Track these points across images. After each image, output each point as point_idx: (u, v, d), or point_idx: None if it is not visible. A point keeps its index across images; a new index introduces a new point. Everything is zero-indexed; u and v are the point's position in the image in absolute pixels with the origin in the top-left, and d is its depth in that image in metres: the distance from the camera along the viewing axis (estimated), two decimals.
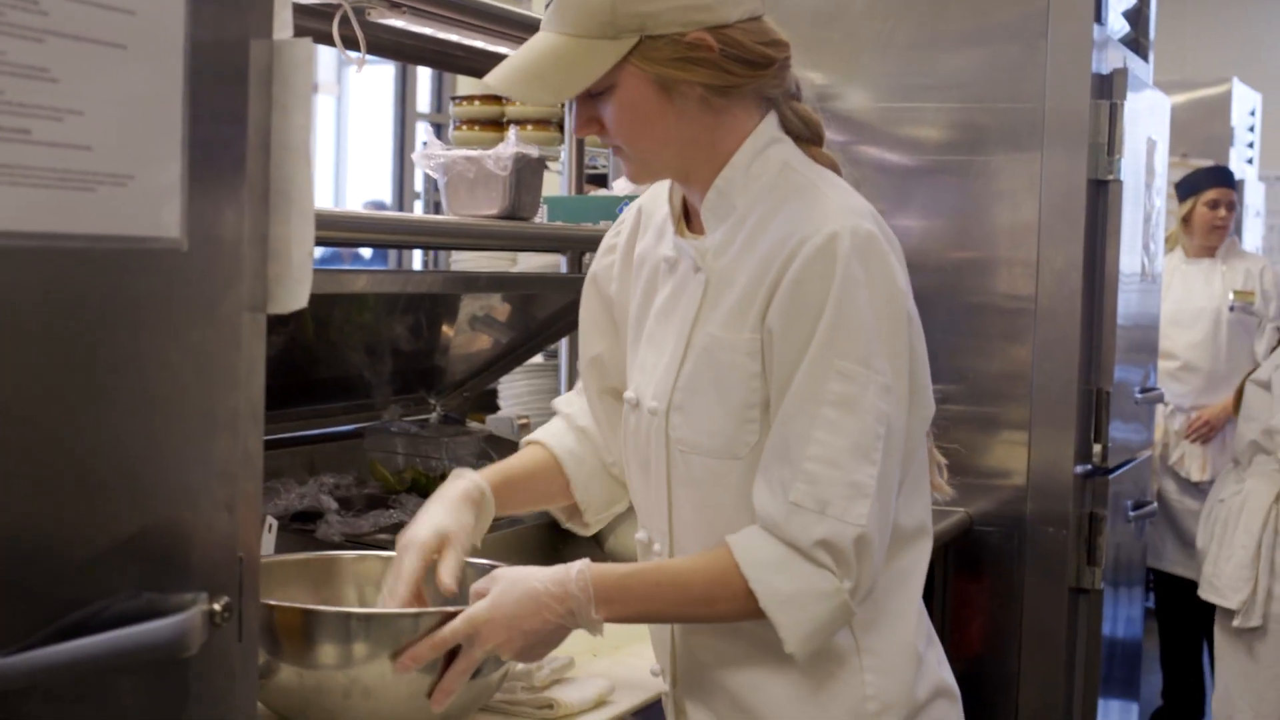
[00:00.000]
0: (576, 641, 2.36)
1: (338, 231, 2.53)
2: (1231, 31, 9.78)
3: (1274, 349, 5.88)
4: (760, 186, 1.83)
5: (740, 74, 1.80)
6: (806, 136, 1.88)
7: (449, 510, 1.99)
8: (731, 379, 1.79)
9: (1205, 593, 4.39)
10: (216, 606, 1.45)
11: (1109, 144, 3.71)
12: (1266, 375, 4.28)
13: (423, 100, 8.27)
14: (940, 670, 1.93)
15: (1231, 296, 5.93)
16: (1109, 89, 3.75)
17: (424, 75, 8.23)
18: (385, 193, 8.26)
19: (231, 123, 1.48)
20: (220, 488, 1.48)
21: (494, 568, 1.93)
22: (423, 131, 8.23)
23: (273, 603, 1.90)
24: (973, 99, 3.77)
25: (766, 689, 1.84)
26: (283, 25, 1.60)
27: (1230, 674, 4.34)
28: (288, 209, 1.60)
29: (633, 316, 1.99)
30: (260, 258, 1.57)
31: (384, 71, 8.18)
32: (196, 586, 1.44)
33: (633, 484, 1.99)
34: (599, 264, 2.12)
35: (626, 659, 2.38)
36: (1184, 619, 5.80)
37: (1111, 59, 3.83)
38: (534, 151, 3.00)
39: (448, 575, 1.92)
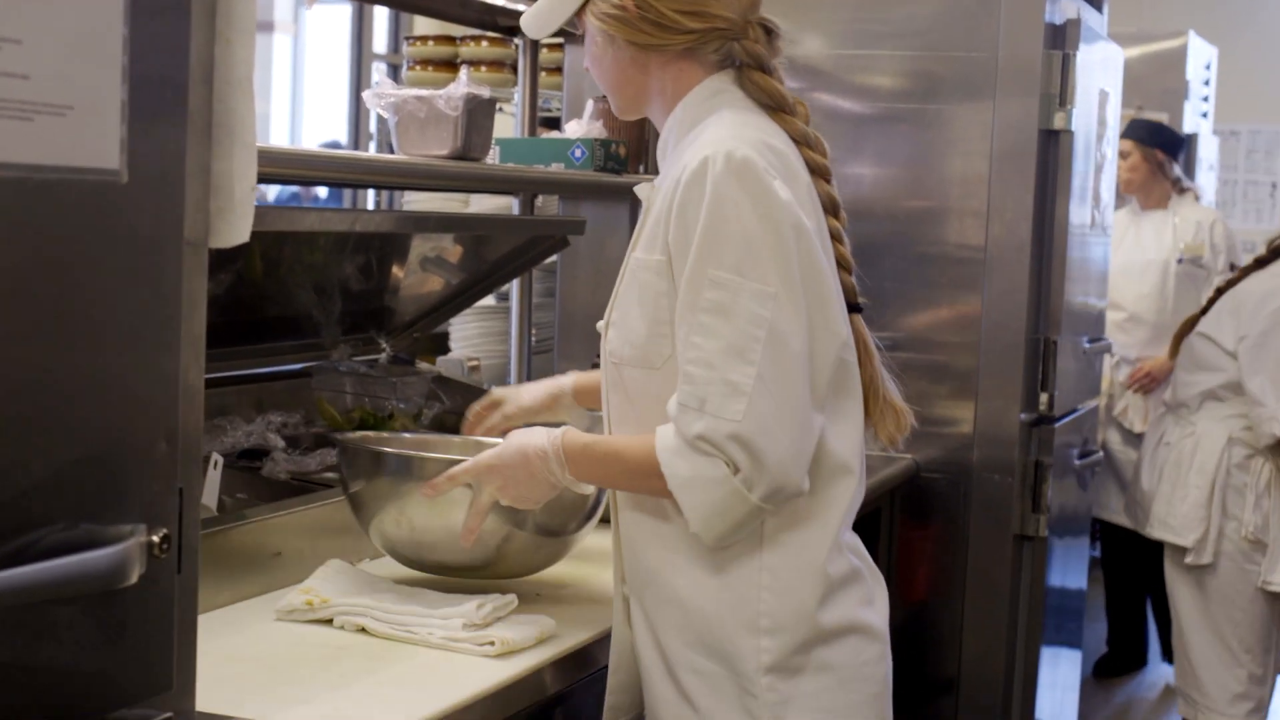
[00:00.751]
0: (520, 582, 2.39)
1: (286, 169, 2.52)
2: None
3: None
4: (694, 129, 2.04)
5: (653, 35, 2.04)
6: (769, 105, 2.07)
7: (522, 388, 2.61)
8: (647, 294, 2.00)
9: (1158, 531, 4.43)
10: (155, 538, 1.45)
11: (1061, 94, 3.72)
12: (1229, 343, 4.29)
13: (379, 41, 8.22)
14: (861, 611, 2.06)
15: (1181, 249, 5.96)
16: (1061, 39, 3.76)
17: (380, 16, 8.17)
18: (341, 134, 8.21)
19: (173, 54, 1.48)
20: (160, 420, 1.48)
21: None
22: (378, 72, 8.18)
23: (356, 445, 2.42)
24: (926, 47, 3.77)
25: (683, 591, 2.02)
26: None
27: (1185, 609, 4.40)
28: (230, 143, 1.60)
29: None
30: (202, 191, 1.56)
31: (341, 11, 8.12)
32: (135, 518, 1.44)
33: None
34: None
35: (570, 598, 2.40)
36: (1128, 568, 5.86)
37: (1065, 9, 3.83)
38: (485, 92, 2.98)
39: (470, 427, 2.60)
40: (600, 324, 2.14)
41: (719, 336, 1.89)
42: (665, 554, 2.04)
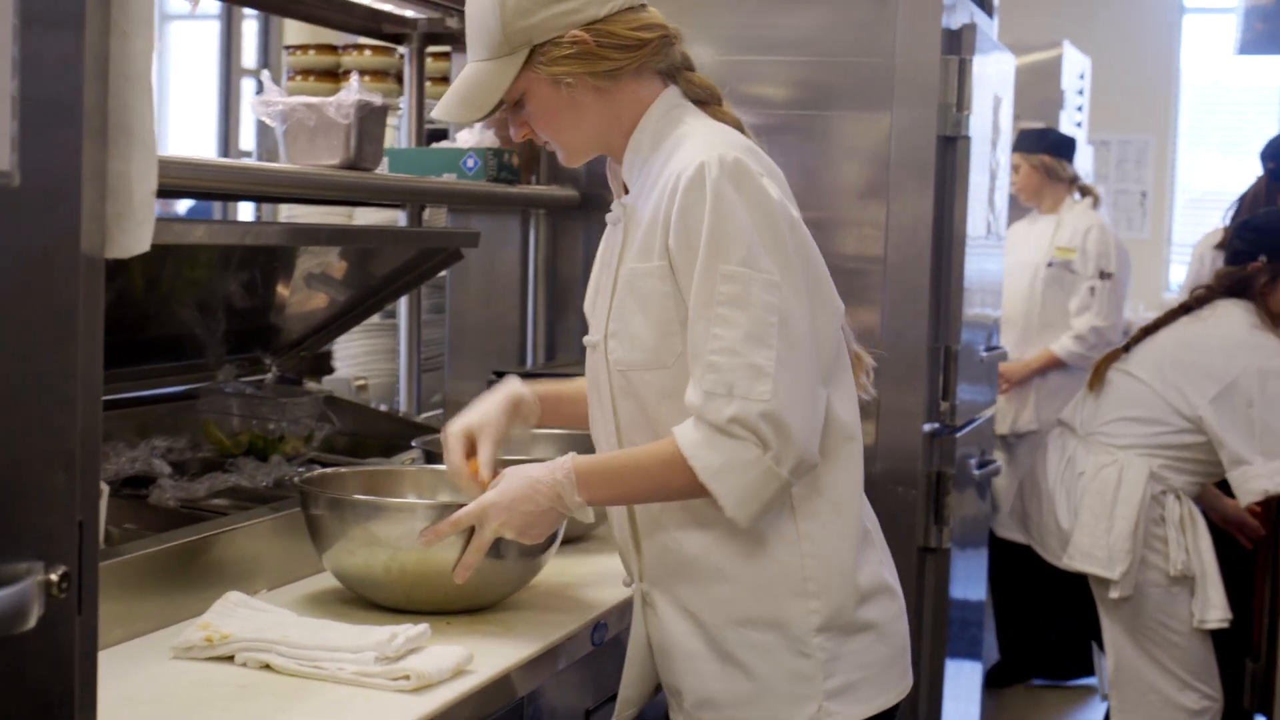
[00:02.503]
0: (433, 612, 2.27)
1: (173, 178, 2.38)
2: None
3: (1087, 310, 5.89)
4: (664, 142, 2.15)
5: (618, 58, 2.11)
6: (706, 99, 2.21)
7: (483, 410, 2.35)
8: (650, 300, 2.10)
9: (1080, 563, 4.36)
10: (53, 577, 1.33)
11: (958, 100, 3.66)
12: (1177, 400, 4.27)
13: (248, 55, 8.02)
14: (884, 570, 2.24)
15: (1054, 253, 5.97)
16: (958, 44, 3.71)
17: (249, 29, 7.99)
18: (209, 153, 7.99)
19: (66, 48, 1.35)
20: (57, 447, 1.35)
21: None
22: (249, 87, 7.98)
23: (336, 495, 2.36)
24: (822, 54, 3.70)
25: (729, 570, 2.13)
26: None
27: (1122, 642, 4.35)
28: (128, 144, 1.48)
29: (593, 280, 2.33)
30: (98, 196, 1.44)
31: (208, 27, 7.92)
32: (31, 555, 1.32)
33: (590, 416, 2.30)
34: None
35: (483, 627, 2.28)
36: (1016, 576, 5.84)
37: (960, 15, 3.79)
38: (376, 99, 2.87)
39: (484, 468, 2.26)
40: (589, 339, 2.24)
41: (737, 326, 2.01)
42: (705, 540, 2.14)
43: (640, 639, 2.25)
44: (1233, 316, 4.30)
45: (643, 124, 2.16)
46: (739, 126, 2.19)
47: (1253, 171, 5.55)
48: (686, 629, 2.17)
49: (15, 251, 1.30)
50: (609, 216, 2.25)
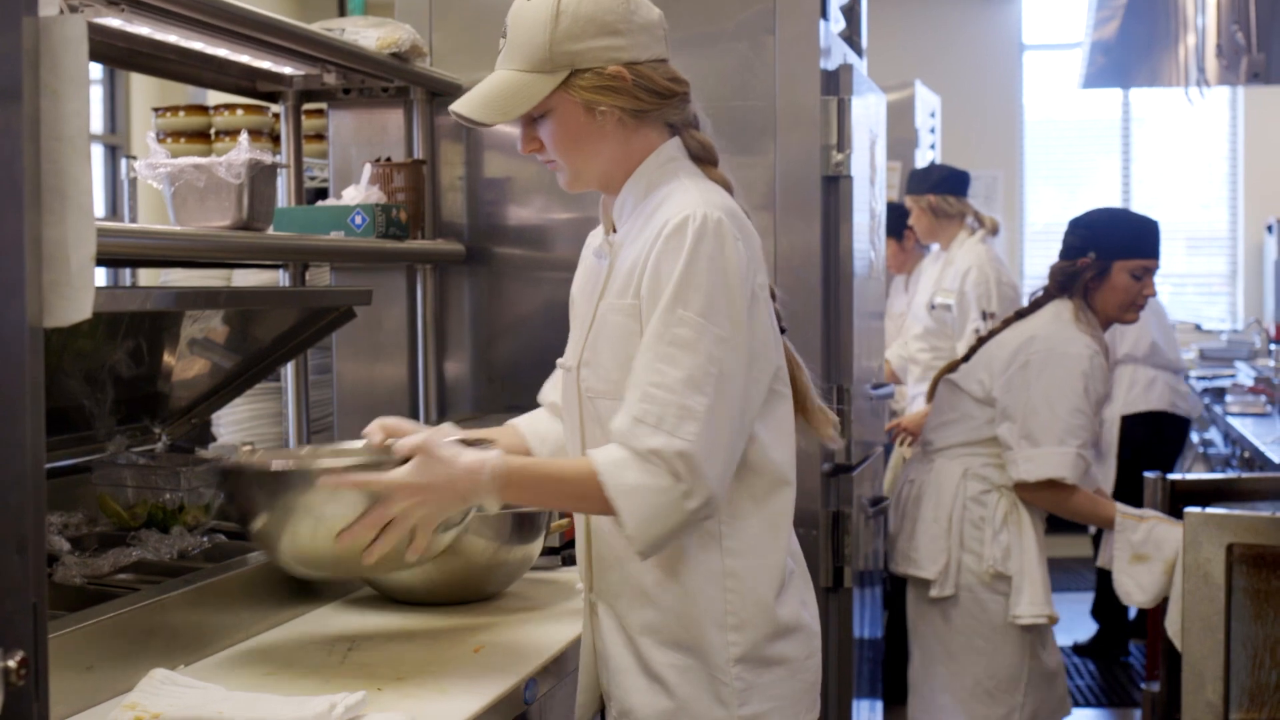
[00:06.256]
0: (368, 676, 2.21)
1: None
2: (911, 37, 10.02)
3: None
4: (657, 191, 2.28)
5: (649, 101, 2.27)
6: (704, 158, 2.35)
7: (412, 425, 2.44)
8: (620, 336, 2.24)
9: (902, 566, 4.41)
10: (11, 663, 1.26)
11: (839, 140, 3.69)
12: (976, 391, 4.32)
13: (93, 120, 7.88)
14: (803, 610, 2.35)
15: (937, 295, 6.02)
16: (835, 85, 3.73)
17: (94, 94, 7.85)
18: None
19: (6, 115, 1.30)
20: (11, 528, 1.29)
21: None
22: (96, 152, 7.84)
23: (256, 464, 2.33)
24: (701, 98, 3.69)
25: (658, 597, 2.27)
26: (48, 1, 1.42)
27: (927, 642, 4.38)
28: (63, 207, 1.43)
29: (571, 306, 2.47)
30: (35, 264, 1.38)
31: None
32: None
33: (565, 430, 2.44)
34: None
35: (417, 691, 2.22)
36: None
37: (835, 56, 3.82)
38: (268, 157, 2.81)
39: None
40: (564, 361, 2.39)
41: (681, 367, 2.13)
42: (640, 567, 2.26)
43: (587, 645, 2.40)
44: (1047, 311, 4.36)
45: (643, 168, 2.30)
46: (728, 188, 2.33)
47: (1091, 204, 5.62)
48: (620, 641, 2.32)
49: None
50: (594, 251, 2.41)
